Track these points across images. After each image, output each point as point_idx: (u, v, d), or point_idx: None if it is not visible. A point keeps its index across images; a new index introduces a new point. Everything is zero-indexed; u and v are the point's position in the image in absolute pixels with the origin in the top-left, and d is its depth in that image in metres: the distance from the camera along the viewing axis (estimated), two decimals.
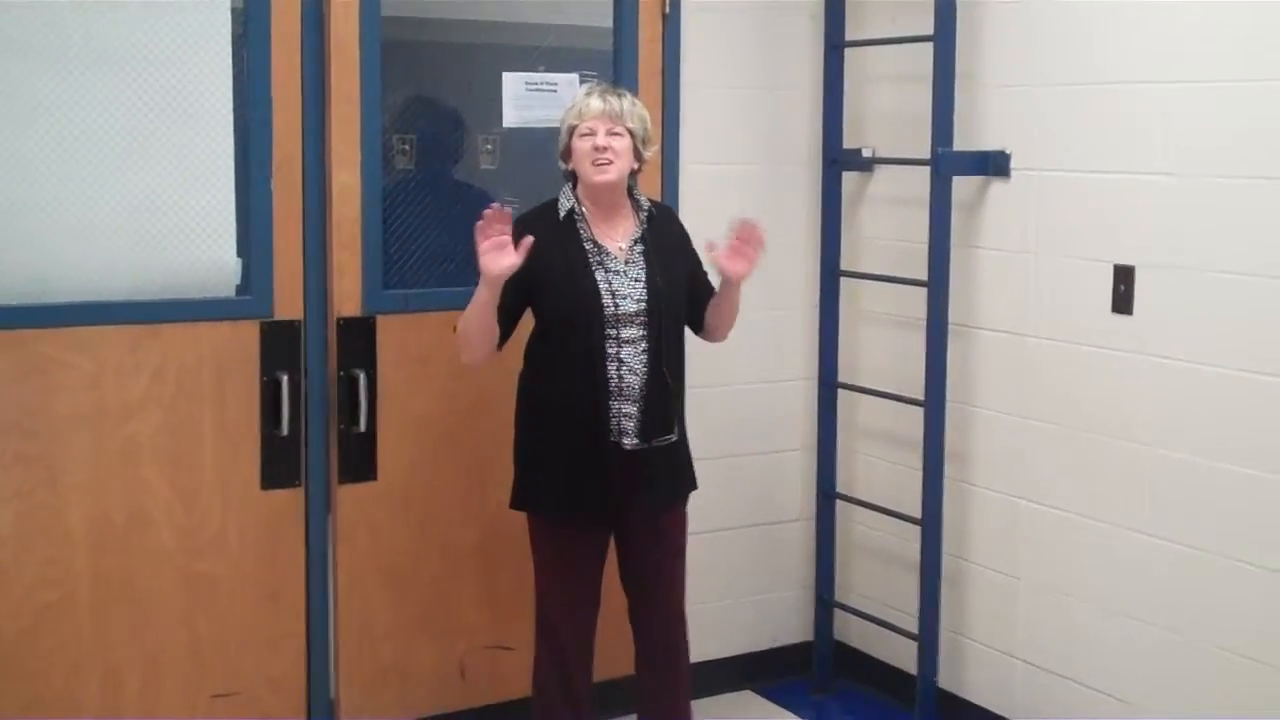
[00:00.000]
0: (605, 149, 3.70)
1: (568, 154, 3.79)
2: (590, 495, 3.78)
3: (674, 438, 3.84)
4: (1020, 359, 4.24)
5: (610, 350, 3.72)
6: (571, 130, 3.75)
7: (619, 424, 3.74)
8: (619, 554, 3.98)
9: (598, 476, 3.76)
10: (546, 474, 3.81)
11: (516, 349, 3.88)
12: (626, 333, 3.73)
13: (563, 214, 3.77)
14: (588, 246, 3.76)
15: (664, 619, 3.99)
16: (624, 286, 3.75)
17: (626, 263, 3.78)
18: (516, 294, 3.72)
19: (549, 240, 3.72)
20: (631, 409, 3.74)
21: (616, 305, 3.72)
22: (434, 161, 4.37)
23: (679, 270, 3.88)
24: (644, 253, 3.80)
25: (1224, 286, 3.64)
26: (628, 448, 3.75)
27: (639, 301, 3.74)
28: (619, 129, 3.73)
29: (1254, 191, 3.55)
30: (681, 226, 4.01)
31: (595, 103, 3.72)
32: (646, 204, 3.88)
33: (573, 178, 3.82)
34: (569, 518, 3.83)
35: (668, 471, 3.88)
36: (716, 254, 3.79)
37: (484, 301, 3.65)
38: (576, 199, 3.80)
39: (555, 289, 3.73)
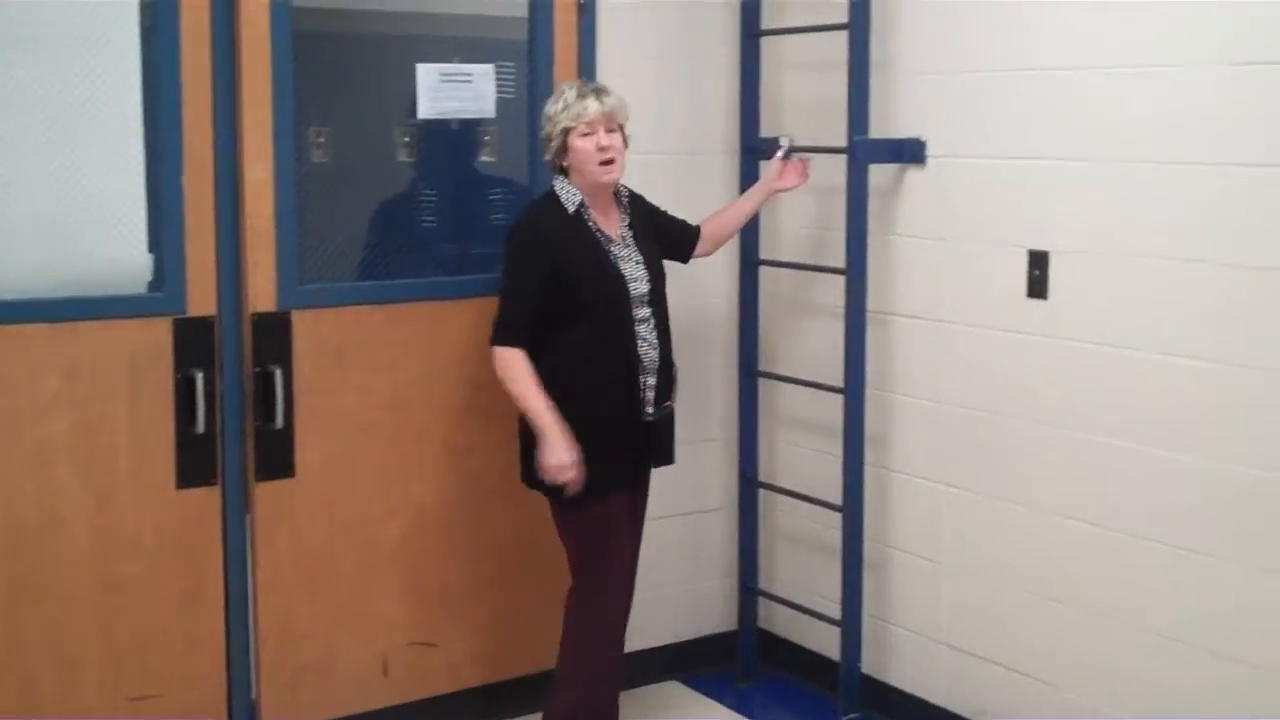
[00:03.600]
0: (610, 147, 3.91)
1: (563, 152, 3.95)
2: (632, 465, 4.06)
3: (672, 404, 4.15)
4: (938, 345, 4.26)
5: (637, 330, 3.98)
6: (568, 130, 3.91)
7: (646, 396, 4.01)
8: None
9: (637, 447, 4.04)
10: (595, 456, 3.92)
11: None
12: (641, 312, 3.99)
13: (571, 209, 3.95)
14: (599, 236, 3.98)
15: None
16: (632, 270, 4.00)
17: (625, 248, 4.03)
18: (548, 296, 3.90)
19: (566, 236, 3.94)
20: (652, 380, 4.02)
21: (632, 288, 3.97)
22: (351, 154, 4.32)
23: (657, 251, 4.14)
24: (635, 238, 4.07)
25: (1135, 271, 3.67)
26: (649, 418, 4.04)
27: (647, 283, 4.02)
28: (613, 126, 3.95)
29: (1164, 176, 3.59)
30: (645, 202, 4.22)
31: (593, 104, 3.90)
32: (625, 192, 4.12)
33: (563, 172, 3.99)
34: (619, 491, 4.02)
35: (670, 434, 4.21)
36: (780, 160, 4.35)
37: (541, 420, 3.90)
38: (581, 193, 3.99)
39: (585, 279, 3.92)
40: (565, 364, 3.93)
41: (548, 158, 4.02)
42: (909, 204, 4.32)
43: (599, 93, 3.94)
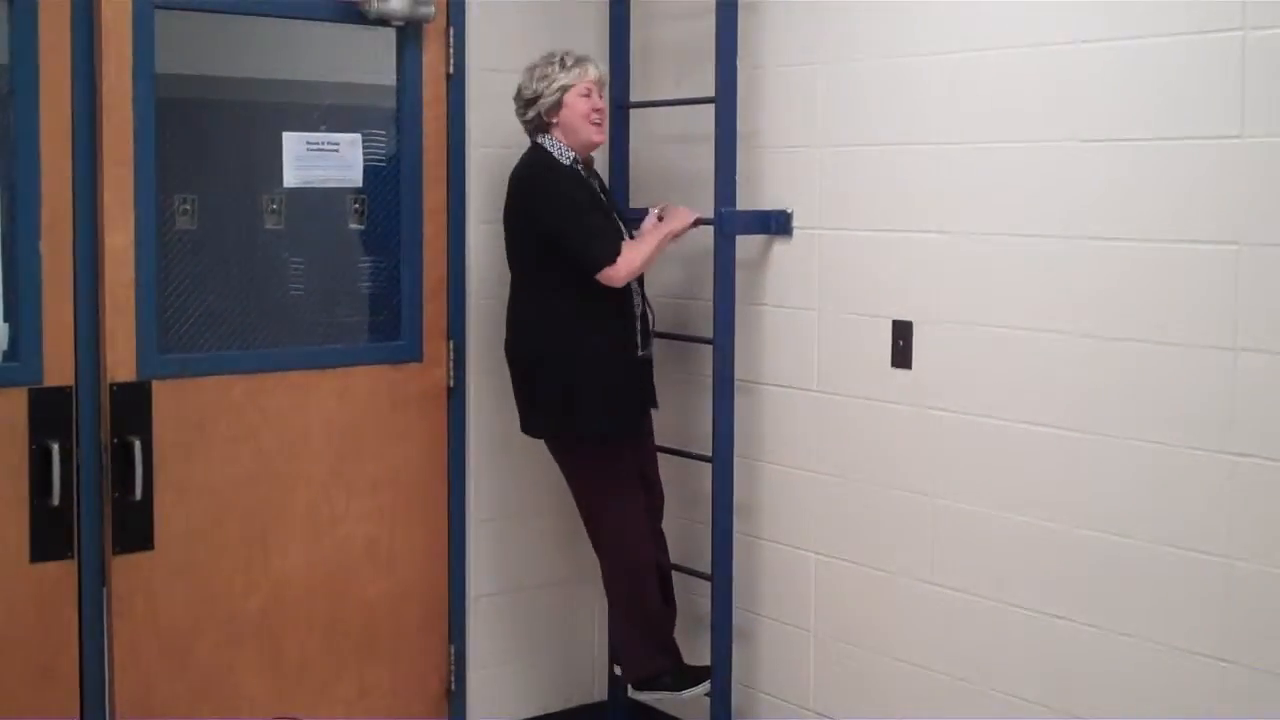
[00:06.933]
0: (603, 109, 4.26)
1: (555, 109, 4.17)
2: (646, 402, 4.37)
3: (652, 349, 4.41)
4: (806, 414, 4.29)
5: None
6: (565, 88, 4.16)
7: (636, 340, 4.29)
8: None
9: (639, 388, 4.32)
10: (613, 397, 4.22)
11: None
12: None
13: (567, 162, 4.19)
14: (596, 186, 4.30)
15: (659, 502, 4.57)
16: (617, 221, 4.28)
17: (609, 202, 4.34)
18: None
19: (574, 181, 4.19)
20: (638, 326, 4.30)
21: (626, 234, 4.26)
22: (216, 222, 4.28)
23: None
24: (608, 199, 4.37)
25: (993, 340, 3.74)
26: (642, 357, 4.32)
27: (629, 235, 4.27)
28: (603, 93, 4.30)
29: (1018, 248, 3.66)
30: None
31: (593, 69, 4.23)
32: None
33: (543, 129, 4.21)
34: (625, 437, 4.30)
35: (651, 379, 4.43)
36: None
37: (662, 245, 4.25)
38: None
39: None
40: (569, 310, 4.16)
41: (530, 115, 4.19)
42: (776, 274, 4.36)
43: (597, 62, 4.26)
